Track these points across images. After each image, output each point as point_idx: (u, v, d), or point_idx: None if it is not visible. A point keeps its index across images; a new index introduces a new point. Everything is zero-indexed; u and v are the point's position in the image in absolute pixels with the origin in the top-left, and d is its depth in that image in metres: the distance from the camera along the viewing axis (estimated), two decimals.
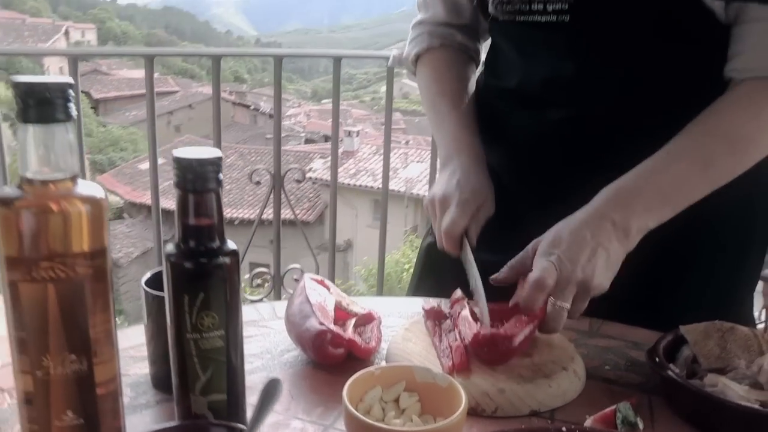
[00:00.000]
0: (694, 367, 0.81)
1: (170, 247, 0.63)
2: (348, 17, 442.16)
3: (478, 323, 0.85)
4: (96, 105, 33.32)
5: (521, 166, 1.01)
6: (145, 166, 23.49)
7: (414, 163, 19.16)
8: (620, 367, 0.87)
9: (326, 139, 35.29)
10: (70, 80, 0.55)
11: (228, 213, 19.48)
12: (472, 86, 1.09)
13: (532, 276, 0.79)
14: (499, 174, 0.99)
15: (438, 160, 0.99)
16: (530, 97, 0.99)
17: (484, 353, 0.80)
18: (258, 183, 2.58)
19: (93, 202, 0.56)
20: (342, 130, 28.97)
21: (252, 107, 38.67)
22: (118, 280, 16.55)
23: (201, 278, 0.62)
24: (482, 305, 0.85)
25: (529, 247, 0.84)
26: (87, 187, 0.57)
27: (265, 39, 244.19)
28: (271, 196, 2.49)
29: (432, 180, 2.10)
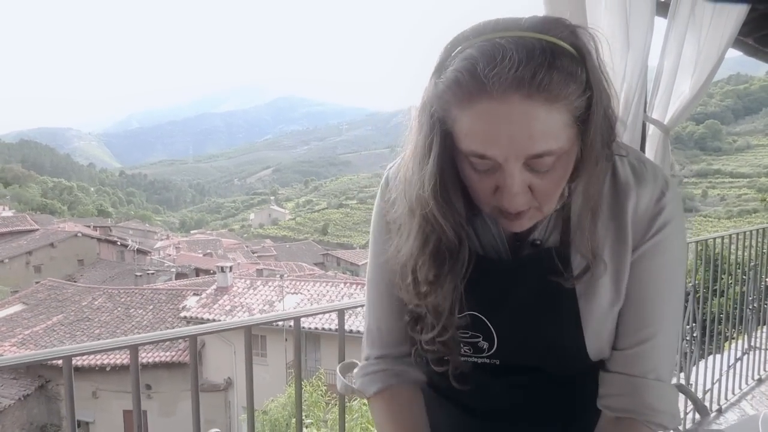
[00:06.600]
0: None
1: None
2: (212, 147, 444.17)
3: None
4: None
5: None
6: (3, 313, 22.04)
7: (289, 295, 19.17)
8: None
9: (197, 272, 34.50)
10: None
11: (98, 359, 18.45)
12: (425, 421, 1.22)
13: None
14: None
15: None
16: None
17: None
18: None
19: None
20: (215, 266, 28.49)
21: (119, 243, 37.28)
22: None
23: None
24: None
25: None
26: None
27: (130, 171, 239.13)
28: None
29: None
